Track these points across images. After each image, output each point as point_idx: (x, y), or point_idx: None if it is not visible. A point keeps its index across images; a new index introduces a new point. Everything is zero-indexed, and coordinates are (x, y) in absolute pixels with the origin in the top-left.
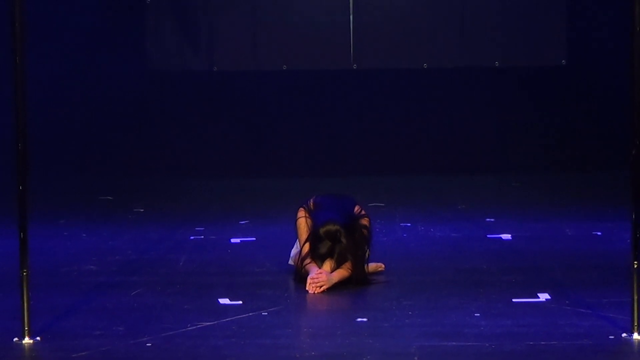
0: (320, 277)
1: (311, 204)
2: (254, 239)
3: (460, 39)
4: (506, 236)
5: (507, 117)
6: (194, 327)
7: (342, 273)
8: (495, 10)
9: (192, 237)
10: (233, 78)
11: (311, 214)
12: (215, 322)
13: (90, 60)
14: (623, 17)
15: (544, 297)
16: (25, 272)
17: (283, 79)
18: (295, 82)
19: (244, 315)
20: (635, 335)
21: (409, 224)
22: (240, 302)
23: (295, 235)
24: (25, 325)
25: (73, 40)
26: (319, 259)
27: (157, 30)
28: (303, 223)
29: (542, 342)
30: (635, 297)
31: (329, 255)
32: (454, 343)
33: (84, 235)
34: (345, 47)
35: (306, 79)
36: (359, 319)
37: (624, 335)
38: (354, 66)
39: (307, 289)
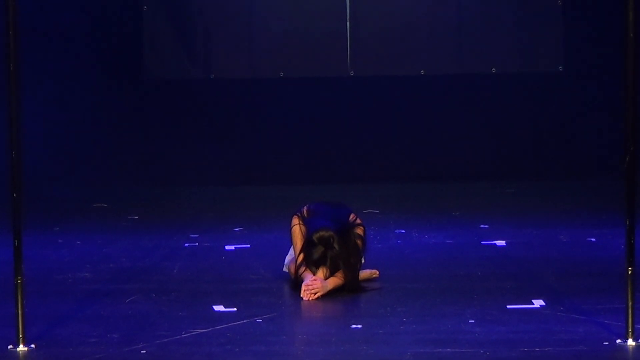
0: (315, 284)
1: (305, 211)
2: (249, 246)
3: (457, 45)
4: (500, 243)
5: (502, 123)
6: (189, 334)
7: (336, 281)
8: (492, 16)
9: (186, 245)
10: (230, 85)
11: (305, 222)
12: (210, 329)
13: (87, 68)
14: (619, 24)
15: (538, 303)
16: (19, 279)
17: (280, 86)
18: (292, 90)
19: (238, 322)
20: (630, 342)
21: (403, 231)
22: (235, 309)
23: (290, 243)
24: (20, 332)
25: (69, 47)
26: (312, 265)
27: (154, 38)
28: (297, 231)
29: (537, 349)
30: (630, 303)
31: (321, 261)
32: (448, 350)
33: (79, 242)
34: (342, 54)
35: (303, 86)
36: (354, 326)
37: (618, 341)
38: (351, 73)
39: (301, 295)
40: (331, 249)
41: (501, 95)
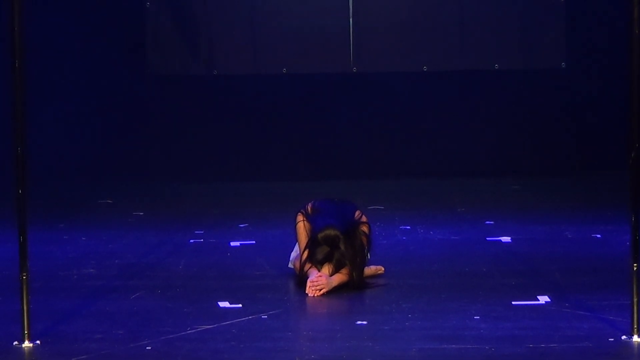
0: (320, 280)
1: (309, 208)
2: (254, 242)
3: (460, 41)
4: (506, 239)
5: (506, 120)
6: (194, 331)
7: (341, 277)
8: (494, 13)
9: (191, 241)
10: (233, 82)
11: (309, 219)
12: (215, 325)
13: (90, 64)
14: (622, 20)
15: (543, 299)
16: (24, 275)
17: (283, 83)
18: (295, 86)
19: (243, 319)
20: (635, 338)
21: (408, 227)
22: (240, 305)
23: (294, 240)
24: (25, 329)
25: (73, 44)
26: (317, 264)
27: (157, 35)
28: (302, 227)
29: (542, 345)
30: (635, 300)
31: (326, 260)
32: (453, 346)
33: (84, 239)
34: (345, 51)
35: (306, 82)
36: (359, 322)
37: (623, 337)
38: (354, 69)
39: (306, 292)
40: (337, 249)
41: (504, 92)
